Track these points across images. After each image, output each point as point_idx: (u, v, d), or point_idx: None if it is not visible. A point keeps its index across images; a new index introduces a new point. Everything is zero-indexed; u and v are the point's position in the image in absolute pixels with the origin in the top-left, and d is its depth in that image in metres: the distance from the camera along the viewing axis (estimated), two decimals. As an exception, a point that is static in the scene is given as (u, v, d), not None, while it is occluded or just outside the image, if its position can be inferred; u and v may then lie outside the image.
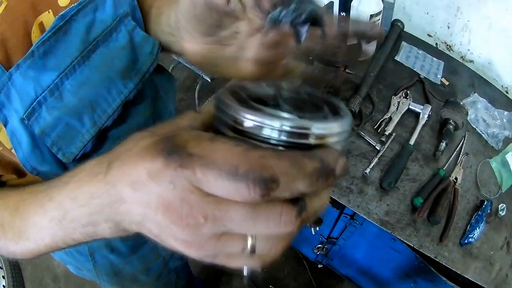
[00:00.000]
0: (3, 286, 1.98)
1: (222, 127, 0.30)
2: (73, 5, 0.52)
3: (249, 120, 0.28)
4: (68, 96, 0.51)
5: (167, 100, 0.80)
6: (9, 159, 0.53)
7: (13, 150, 0.50)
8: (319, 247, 1.29)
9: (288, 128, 0.28)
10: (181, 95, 1.47)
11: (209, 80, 2.05)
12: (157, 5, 0.62)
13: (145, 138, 0.29)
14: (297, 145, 0.28)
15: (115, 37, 0.57)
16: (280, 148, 0.28)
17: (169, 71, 2.39)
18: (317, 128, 0.29)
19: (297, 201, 0.27)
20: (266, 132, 0.28)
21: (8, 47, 0.46)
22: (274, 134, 0.28)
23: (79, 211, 0.33)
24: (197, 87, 2.07)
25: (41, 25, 0.50)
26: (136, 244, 0.90)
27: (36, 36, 0.49)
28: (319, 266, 1.71)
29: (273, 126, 0.28)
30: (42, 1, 0.50)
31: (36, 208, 0.36)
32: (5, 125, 0.48)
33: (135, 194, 0.28)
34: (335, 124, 0.30)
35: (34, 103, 0.48)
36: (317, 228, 1.04)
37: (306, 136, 0.28)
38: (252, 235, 0.28)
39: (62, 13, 0.50)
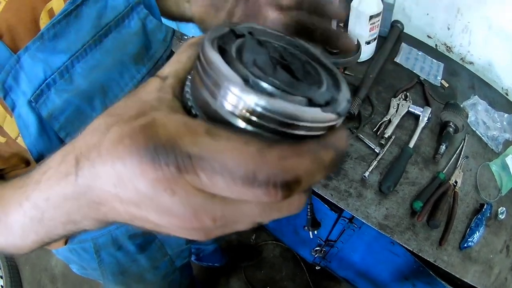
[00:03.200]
0: (1, 286, 1.97)
1: (208, 104, 0.24)
2: None
3: (262, 110, 0.22)
4: (78, 79, 0.51)
5: None
6: (12, 150, 0.52)
7: (18, 139, 0.50)
8: (317, 250, 1.29)
9: (309, 123, 0.24)
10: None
11: None
12: None
13: (114, 127, 0.24)
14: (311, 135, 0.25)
15: (128, 24, 0.58)
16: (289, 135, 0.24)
17: None
18: (333, 116, 0.25)
19: None
20: (280, 124, 0.23)
21: (15, 33, 0.46)
22: (290, 127, 0.23)
23: (55, 211, 0.29)
24: None
25: (50, 11, 0.50)
26: (145, 242, 0.89)
27: (44, 23, 0.49)
28: (317, 268, 1.70)
29: (292, 119, 0.23)
30: None
31: (16, 206, 0.33)
32: (13, 110, 0.48)
33: (120, 197, 0.24)
34: (344, 105, 0.26)
35: (43, 85, 0.48)
36: (315, 232, 1.03)
37: (323, 127, 0.25)
38: None
39: None
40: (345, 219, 1.10)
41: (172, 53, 0.70)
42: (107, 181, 0.24)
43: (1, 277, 2.00)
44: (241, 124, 0.23)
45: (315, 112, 0.24)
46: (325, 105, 0.25)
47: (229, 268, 1.96)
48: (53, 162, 0.29)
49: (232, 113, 0.23)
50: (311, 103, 0.25)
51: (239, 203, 0.24)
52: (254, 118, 0.23)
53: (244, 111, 0.23)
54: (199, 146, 0.22)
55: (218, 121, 0.24)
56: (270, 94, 0.23)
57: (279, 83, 0.25)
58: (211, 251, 1.75)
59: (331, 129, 0.26)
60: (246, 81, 0.23)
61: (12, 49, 0.46)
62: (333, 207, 1.07)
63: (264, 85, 0.24)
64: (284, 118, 0.23)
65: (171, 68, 0.29)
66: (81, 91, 0.51)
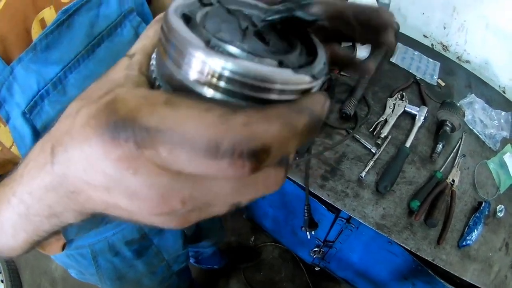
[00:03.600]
0: None
1: (172, 74, 0.23)
2: (74, 0, 0.52)
3: (228, 74, 0.21)
4: (72, 90, 0.51)
5: None
6: (7, 157, 0.52)
7: (12, 148, 0.50)
8: (315, 251, 1.28)
9: (279, 86, 0.22)
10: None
11: None
12: None
13: (82, 109, 0.23)
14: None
15: (120, 32, 0.58)
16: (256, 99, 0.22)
17: None
18: (307, 78, 0.23)
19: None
20: (249, 88, 0.21)
21: (6, 43, 0.46)
22: (260, 91, 0.21)
23: (39, 205, 0.28)
24: None
25: (42, 21, 0.49)
26: (141, 248, 0.89)
27: (36, 33, 0.48)
28: (316, 269, 1.70)
29: (261, 81, 0.21)
30: None
31: (5, 204, 0.33)
32: (7, 121, 0.48)
33: (90, 183, 0.23)
34: (320, 67, 0.24)
35: (36, 96, 0.48)
36: (313, 232, 1.03)
37: (297, 90, 0.23)
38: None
39: (65, 7, 0.50)
40: (343, 219, 1.10)
41: None
42: (78, 166, 0.23)
43: (2, 281, 2.00)
44: (208, 92, 0.22)
45: (287, 74, 0.22)
46: (298, 67, 0.24)
47: (228, 270, 1.96)
48: (33, 153, 0.28)
49: (197, 81, 0.22)
50: (282, 65, 0.23)
51: (207, 180, 0.22)
52: (220, 84, 0.21)
53: (209, 77, 0.21)
54: (157, 117, 0.20)
55: (184, 92, 0.22)
56: (235, 57, 0.22)
57: (247, 47, 0.23)
58: (210, 254, 1.74)
59: (306, 93, 0.24)
60: (208, 43, 0.22)
61: (4, 59, 0.45)
62: (330, 207, 1.06)
63: (230, 48, 0.23)
64: (252, 80, 0.21)
65: (138, 45, 0.28)
66: None
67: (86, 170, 0.22)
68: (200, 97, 0.22)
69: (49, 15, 0.50)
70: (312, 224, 1.02)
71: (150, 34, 0.29)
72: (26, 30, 0.48)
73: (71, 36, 0.51)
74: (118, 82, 0.25)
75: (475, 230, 1.00)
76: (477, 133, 1.21)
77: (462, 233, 1.00)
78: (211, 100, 0.22)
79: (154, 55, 0.27)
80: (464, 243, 0.98)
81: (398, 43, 1.39)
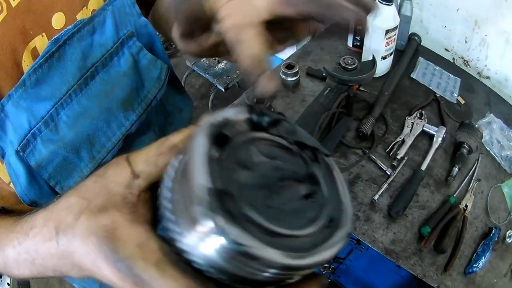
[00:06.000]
0: (8, 284, 1.98)
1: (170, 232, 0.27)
2: (68, 27, 0.49)
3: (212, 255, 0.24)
4: (64, 129, 0.48)
5: (179, 127, 0.74)
6: (10, 191, 0.51)
7: (11, 184, 0.48)
8: (325, 266, 1.30)
9: (268, 274, 0.23)
10: (196, 102, 1.45)
11: (223, 90, 2.03)
12: None
13: (82, 215, 0.29)
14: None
15: (117, 62, 0.54)
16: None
17: (184, 78, 2.33)
18: (305, 264, 0.24)
19: None
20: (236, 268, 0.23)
21: None
22: (247, 272, 0.23)
23: (45, 260, 0.33)
24: (211, 96, 2.05)
25: (34, 50, 0.46)
26: None
27: (27, 65, 0.46)
28: (328, 281, 1.71)
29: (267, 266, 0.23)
30: (34, 24, 0.46)
31: (10, 246, 0.36)
32: (3, 157, 0.47)
33: (95, 271, 0.29)
34: (327, 252, 0.25)
35: (28, 135, 0.46)
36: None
37: (290, 275, 0.24)
38: None
39: (55, 37, 0.47)
40: (353, 240, 1.11)
41: (176, 84, 0.65)
42: (84, 258, 0.29)
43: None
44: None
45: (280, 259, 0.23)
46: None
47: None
48: (37, 222, 0.33)
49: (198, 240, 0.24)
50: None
51: None
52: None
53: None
54: (148, 273, 0.25)
55: (176, 255, 0.26)
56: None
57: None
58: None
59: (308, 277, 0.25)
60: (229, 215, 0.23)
61: None
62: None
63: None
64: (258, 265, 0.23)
65: (146, 168, 0.30)
66: (67, 142, 0.49)
67: (92, 264, 0.28)
68: (187, 266, 0.26)
69: (41, 43, 0.47)
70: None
71: (160, 163, 0.31)
72: (17, 64, 0.45)
73: (63, 69, 0.48)
74: (115, 201, 0.29)
75: (483, 258, 1.00)
76: (494, 155, 1.20)
77: (470, 259, 1.01)
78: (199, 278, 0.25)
79: (166, 183, 0.28)
80: (470, 270, 0.98)
81: (420, 57, 1.36)
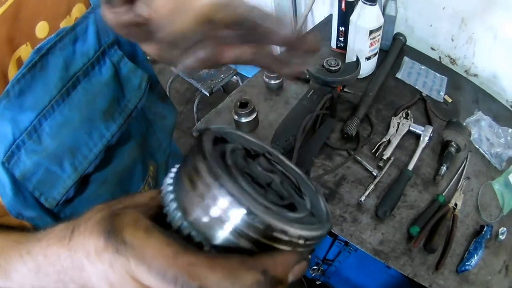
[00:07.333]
0: None
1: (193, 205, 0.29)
2: (50, 36, 0.48)
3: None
4: (47, 140, 0.48)
5: (161, 136, 0.75)
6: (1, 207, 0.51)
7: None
8: (314, 269, 1.28)
9: (232, 229, 0.26)
10: (181, 107, 1.46)
11: (208, 95, 2.03)
12: None
13: (100, 211, 0.30)
14: (241, 247, 0.26)
15: (98, 71, 0.54)
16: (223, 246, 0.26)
17: (169, 83, 2.34)
18: (273, 228, 0.25)
19: None
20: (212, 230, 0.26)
21: None
22: (217, 232, 0.26)
23: (50, 268, 0.34)
24: (196, 100, 2.05)
25: (19, 60, 0.46)
26: None
27: (13, 75, 0.46)
28: (318, 283, 1.70)
29: (216, 224, 0.26)
30: (19, 33, 0.46)
31: (16, 257, 0.37)
32: None
33: (89, 265, 0.29)
34: (297, 229, 0.27)
35: (13, 146, 0.46)
36: (309, 256, 1.02)
37: (255, 237, 0.26)
38: None
39: (38, 46, 0.47)
40: (341, 242, 1.10)
41: (159, 93, 0.65)
42: (85, 250, 0.29)
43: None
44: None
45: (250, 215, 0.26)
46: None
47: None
48: (57, 228, 0.34)
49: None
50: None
51: None
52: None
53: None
54: (134, 237, 0.27)
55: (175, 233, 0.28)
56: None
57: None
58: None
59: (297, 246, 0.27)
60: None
61: None
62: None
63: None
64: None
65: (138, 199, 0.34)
66: (50, 153, 0.49)
67: (88, 255, 0.29)
68: (174, 233, 0.28)
69: (26, 52, 0.47)
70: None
71: (148, 202, 0.34)
72: (3, 74, 0.45)
73: (45, 79, 0.47)
74: (136, 204, 0.33)
75: (475, 255, 0.99)
76: (483, 152, 1.19)
77: (462, 257, 0.99)
78: (178, 239, 0.27)
79: (173, 175, 0.32)
80: (463, 268, 0.97)
81: (405, 57, 1.36)
